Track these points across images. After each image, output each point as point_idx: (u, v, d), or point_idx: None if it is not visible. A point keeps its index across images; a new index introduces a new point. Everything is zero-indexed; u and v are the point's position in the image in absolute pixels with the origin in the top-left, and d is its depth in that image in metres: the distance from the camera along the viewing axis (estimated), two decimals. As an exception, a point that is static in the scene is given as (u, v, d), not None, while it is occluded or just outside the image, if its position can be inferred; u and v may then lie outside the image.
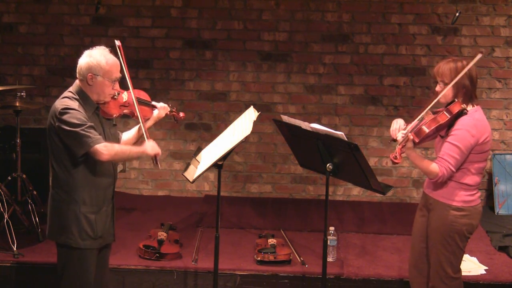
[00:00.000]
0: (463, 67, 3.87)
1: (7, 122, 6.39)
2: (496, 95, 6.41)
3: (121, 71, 3.80)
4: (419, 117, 3.91)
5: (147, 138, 3.85)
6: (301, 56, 6.46)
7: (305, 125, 4.01)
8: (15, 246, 4.94)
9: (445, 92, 3.90)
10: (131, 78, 3.91)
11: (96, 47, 3.76)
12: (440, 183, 3.95)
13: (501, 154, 6.35)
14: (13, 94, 5.47)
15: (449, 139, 3.87)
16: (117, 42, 3.84)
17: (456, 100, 3.88)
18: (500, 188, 6.26)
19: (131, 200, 6.39)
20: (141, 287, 4.86)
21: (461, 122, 3.87)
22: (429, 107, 3.90)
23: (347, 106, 6.50)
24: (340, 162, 3.94)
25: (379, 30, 6.40)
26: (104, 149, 3.62)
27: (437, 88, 3.96)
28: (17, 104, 5.39)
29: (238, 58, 6.49)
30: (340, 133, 3.82)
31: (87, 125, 3.62)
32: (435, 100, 3.93)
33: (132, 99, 3.88)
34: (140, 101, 3.99)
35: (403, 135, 3.85)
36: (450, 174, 3.88)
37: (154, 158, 3.80)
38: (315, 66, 6.46)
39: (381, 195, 4.21)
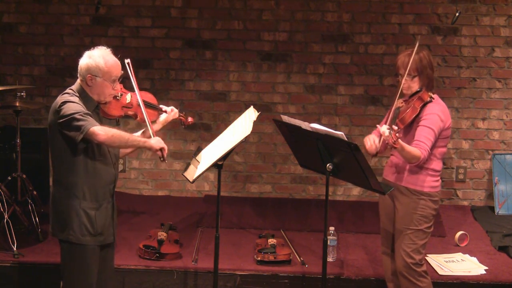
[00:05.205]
0: (425, 57, 4.12)
1: (7, 122, 6.39)
2: (496, 95, 6.41)
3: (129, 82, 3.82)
4: (393, 108, 4.11)
5: (153, 135, 3.85)
6: (301, 56, 6.46)
7: (305, 125, 4.01)
8: (15, 246, 4.94)
9: (411, 84, 4.12)
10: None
11: (97, 47, 3.76)
12: (408, 171, 4.13)
13: (501, 154, 6.34)
14: (13, 94, 5.47)
15: (423, 123, 4.05)
16: (127, 60, 3.86)
17: (421, 89, 4.11)
18: (500, 188, 6.25)
19: (131, 200, 6.38)
20: (141, 287, 4.86)
21: (431, 108, 4.08)
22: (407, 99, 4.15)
23: (347, 106, 6.49)
24: (340, 162, 3.94)
25: (379, 30, 6.40)
26: (101, 129, 3.59)
27: (403, 81, 4.12)
28: (17, 104, 5.39)
29: (238, 58, 6.49)
30: (340, 133, 3.82)
31: (84, 112, 3.62)
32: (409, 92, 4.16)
33: (137, 101, 3.88)
34: (146, 104, 3.98)
35: (388, 128, 3.89)
36: (428, 156, 4.04)
37: (161, 153, 3.80)
38: (315, 66, 6.46)
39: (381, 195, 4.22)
